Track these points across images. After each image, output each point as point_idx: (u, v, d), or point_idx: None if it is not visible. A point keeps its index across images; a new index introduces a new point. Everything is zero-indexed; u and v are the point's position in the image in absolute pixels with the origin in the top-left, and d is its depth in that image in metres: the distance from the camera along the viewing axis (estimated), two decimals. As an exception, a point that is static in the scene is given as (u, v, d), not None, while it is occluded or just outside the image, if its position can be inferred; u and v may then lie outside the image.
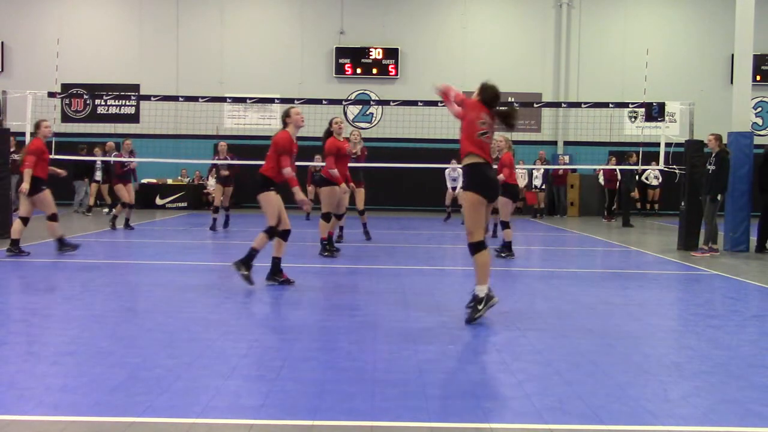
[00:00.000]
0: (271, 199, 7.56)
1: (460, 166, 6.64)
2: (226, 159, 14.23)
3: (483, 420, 3.75)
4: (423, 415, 3.78)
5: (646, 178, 21.28)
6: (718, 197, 11.61)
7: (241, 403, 3.94)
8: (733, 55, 15.20)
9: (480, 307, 5.93)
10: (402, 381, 4.37)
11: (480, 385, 4.32)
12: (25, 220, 9.70)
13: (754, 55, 14.19)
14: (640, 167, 17.42)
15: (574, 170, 20.98)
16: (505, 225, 10.74)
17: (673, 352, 5.32)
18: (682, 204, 12.42)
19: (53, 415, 3.73)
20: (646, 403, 4.07)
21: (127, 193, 14.18)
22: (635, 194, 18.73)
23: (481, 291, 5.95)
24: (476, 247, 6.00)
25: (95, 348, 5.07)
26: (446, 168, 17.56)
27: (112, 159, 15.01)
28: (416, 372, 4.56)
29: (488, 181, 6.12)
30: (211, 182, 21.37)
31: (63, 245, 9.95)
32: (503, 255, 10.47)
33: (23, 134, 12.99)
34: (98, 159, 17.50)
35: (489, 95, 6.12)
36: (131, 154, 15.24)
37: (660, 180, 20.81)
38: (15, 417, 3.68)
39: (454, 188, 17.31)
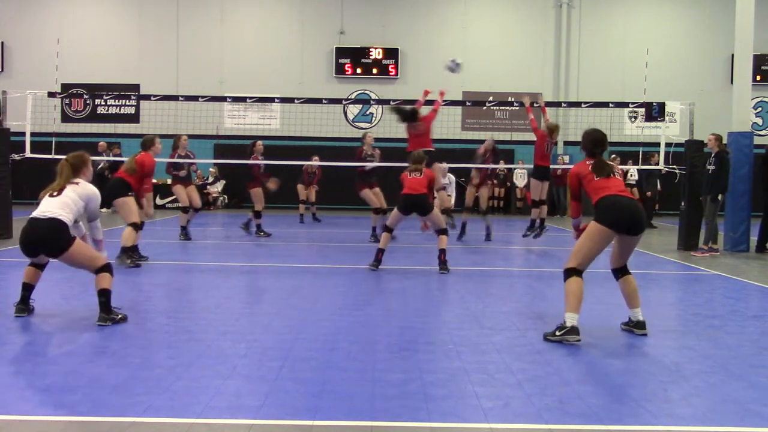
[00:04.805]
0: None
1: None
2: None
3: (483, 420, 3.75)
4: (423, 415, 3.78)
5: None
6: (719, 197, 11.61)
7: (241, 403, 3.94)
8: (733, 55, 15.19)
9: (557, 333, 5.43)
10: (402, 381, 4.37)
11: (480, 385, 4.32)
12: None
13: (754, 55, 14.19)
14: (661, 167, 16.90)
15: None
16: (534, 204, 12.10)
17: (673, 352, 5.32)
18: (682, 204, 12.42)
19: (53, 415, 3.74)
20: (646, 403, 4.07)
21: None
22: (650, 194, 18.26)
23: (568, 319, 5.43)
24: (565, 274, 5.60)
25: (95, 348, 5.08)
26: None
27: (111, 158, 15.14)
28: (416, 372, 4.56)
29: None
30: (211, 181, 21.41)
31: None
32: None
33: (23, 134, 13.00)
34: (100, 158, 17.56)
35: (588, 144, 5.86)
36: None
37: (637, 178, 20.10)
38: (15, 417, 3.69)
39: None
